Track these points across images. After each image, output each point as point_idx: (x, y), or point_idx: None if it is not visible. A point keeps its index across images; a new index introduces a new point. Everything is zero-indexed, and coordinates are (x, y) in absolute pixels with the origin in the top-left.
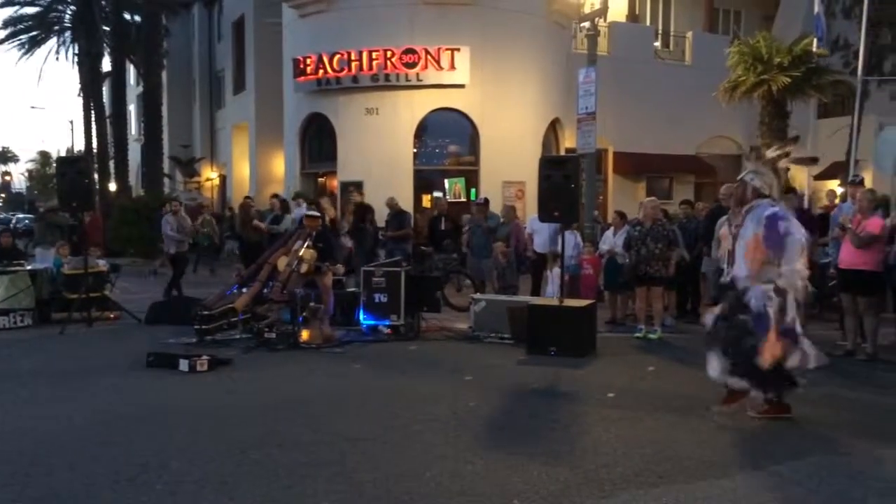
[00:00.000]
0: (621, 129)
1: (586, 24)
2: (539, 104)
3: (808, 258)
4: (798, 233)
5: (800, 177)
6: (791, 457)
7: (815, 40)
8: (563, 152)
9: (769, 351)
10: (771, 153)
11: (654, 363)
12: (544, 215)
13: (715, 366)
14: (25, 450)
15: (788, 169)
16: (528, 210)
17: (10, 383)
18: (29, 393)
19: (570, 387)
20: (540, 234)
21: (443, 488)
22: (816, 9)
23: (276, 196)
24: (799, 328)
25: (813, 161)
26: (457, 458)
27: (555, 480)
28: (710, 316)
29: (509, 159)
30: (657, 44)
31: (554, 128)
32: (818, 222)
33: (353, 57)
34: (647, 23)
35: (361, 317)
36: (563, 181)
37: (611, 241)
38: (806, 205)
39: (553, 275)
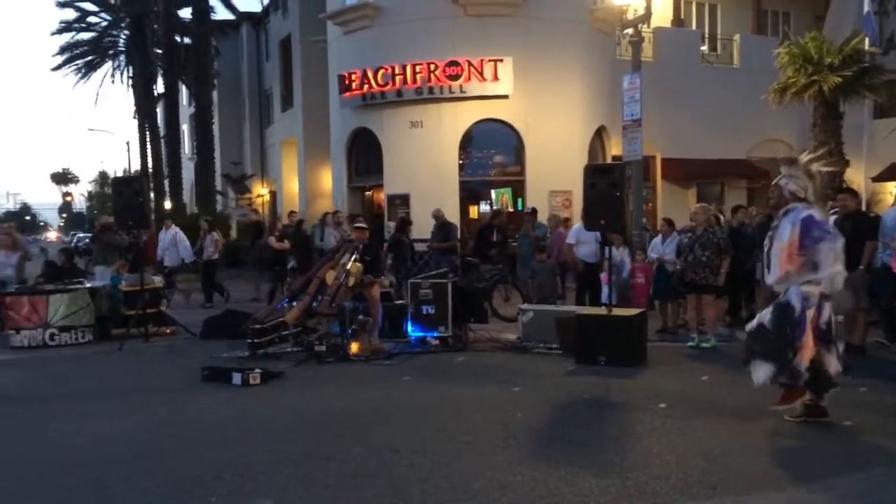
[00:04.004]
0: (669, 135)
1: (630, 31)
2: (584, 112)
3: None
4: (830, 239)
5: (857, 178)
6: (851, 468)
7: (866, 39)
8: (609, 160)
9: (806, 352)
10: (804, 157)
11: (708, 372)
12: (590, 224)
13: (760, 373)
14: (85, 463)
15: (830, 172)
16: (577, 219)
17: (71, 398)
18: (89, 408)
19: (620, 397)
20: (587, 244)
21: (492, 500)
22: (866, 7)
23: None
24: (832, 332)
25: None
26: (506, 470)
27: (606, 492)
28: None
29: (555, 168)
30: (704, 48)
31: (600, 135)
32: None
33: (396, 71)
34: (693, 27)
35: (409, 328)
36: (608, 189)
37: (659, 248)
38: (864, 206)
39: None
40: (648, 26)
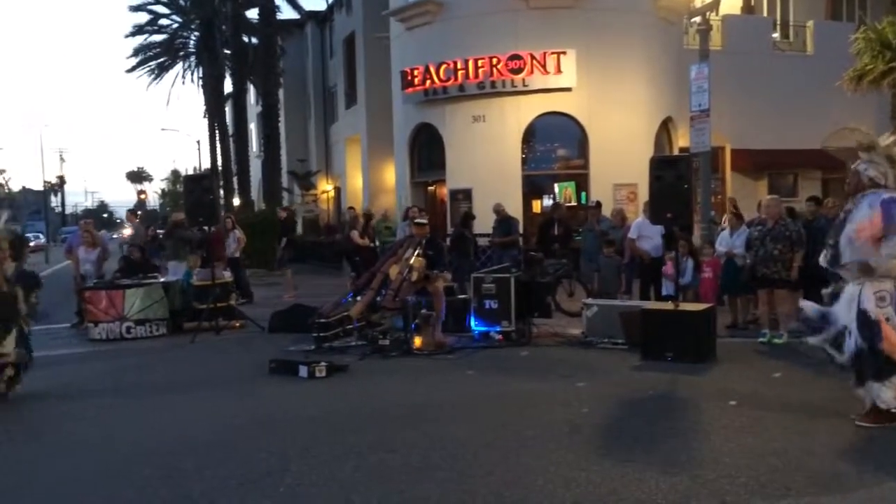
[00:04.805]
0: (739, 125)
1: (697, 19)
2: (650, 103)
3: None
4: None
5: None
6: None
7: None
8: (676, 152)
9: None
10: (884, 141)
11: (781, 369)
12: (656, 217)
13: (884, 394)
14: (159, 454)
15: None
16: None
17: (146, 390)
18: (163, 399)
19: (688, 393)
20: (651, 239)
21: (556, 496)
22: None
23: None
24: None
25: None
26: (571, 466)
27: (673, 490)
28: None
29: (620, 161)
30: (776, 35)
31: (666, 127)
32: None
33: (459, 66)
34: (765, 13)
35: (473, 323)
36: (675, 181)
37: (727, 242)
38: None
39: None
40: (717, 14)
